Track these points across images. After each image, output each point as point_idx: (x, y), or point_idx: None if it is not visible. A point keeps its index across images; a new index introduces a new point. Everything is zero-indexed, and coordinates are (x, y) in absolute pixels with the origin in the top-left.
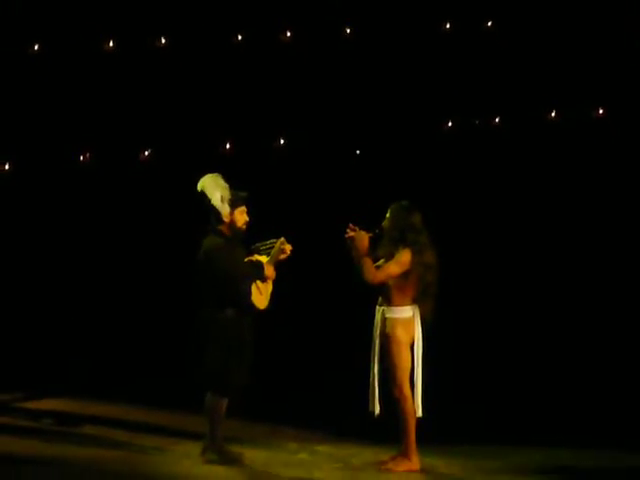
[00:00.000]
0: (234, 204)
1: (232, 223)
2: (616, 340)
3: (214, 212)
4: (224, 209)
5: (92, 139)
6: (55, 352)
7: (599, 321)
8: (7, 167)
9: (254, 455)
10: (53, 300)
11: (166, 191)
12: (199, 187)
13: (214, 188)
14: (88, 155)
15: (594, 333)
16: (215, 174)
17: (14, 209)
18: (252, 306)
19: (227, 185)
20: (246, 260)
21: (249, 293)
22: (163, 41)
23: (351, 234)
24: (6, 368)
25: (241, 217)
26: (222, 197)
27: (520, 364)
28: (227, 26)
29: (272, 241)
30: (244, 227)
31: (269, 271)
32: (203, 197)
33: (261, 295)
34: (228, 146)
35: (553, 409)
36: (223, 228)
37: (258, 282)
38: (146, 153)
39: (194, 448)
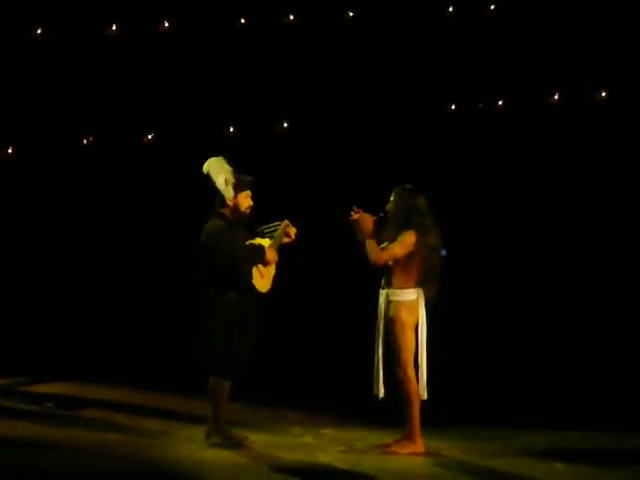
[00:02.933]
0: (238, 188)
1: (235, 207)
2: (617, 322)
3: (218, 195)
4: (228, 192)
5: (95, 123)
6: (57, 336)
7: (602, 303)
8: (10, 151)
9: (258, 439)
10: (56, 283)
11: (170, 174)
12: (204, 169)
13: (218, 171)
14: (91, 139)
15: (597, 314)
16: (220, 157)
17: (17, 193)
18: (253, 289)
19: (231, 169)
20: (247, 243)
21: (250, 276)
22: (166, 24)
23: (355, 216)
24: (8, 353)
25: (245, 201)
26: (226, 180)
27: (523, 346)
28: (230, 9)
29: (276, 224)
30: (248, 211)
31: (271, 254)
32: (208, 179)
33: (263, 278)
34: (232, 129)
35: (556, 392)
36: (226, 211)
37: (260, 265)
38: (149, 136)
39: (198, 432)
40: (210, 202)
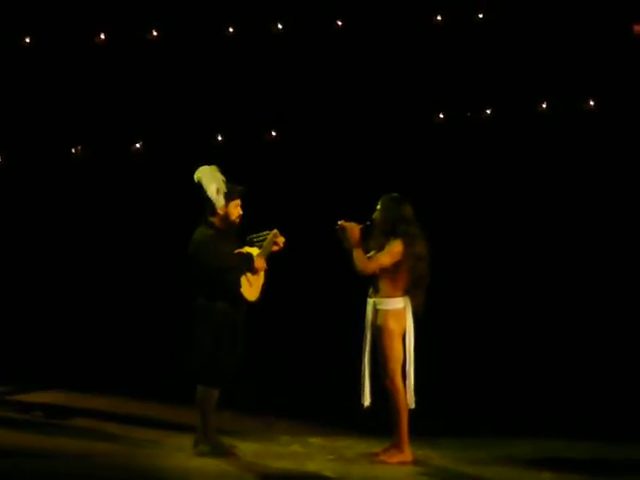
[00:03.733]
0: (229, 197)
1: (226, 216)
2: (608, 329)
3: (208, 203)
4: (219, 201)
5: (84, 131)
6: (46, 345)
7: (590, 310)
8: None
9: (246, 447)
10: (44, 293)
11: (158, 183)
12: (196, 177)
13: (210, 180)
14: (80, 147)
15: (585, 322)
16: (212, 166)
17: (6, 202)
18: (241, 298)
19: (224, 178)
20: (235, 252)
21: (238, 285)
22: (155, 33)
23: (342, 225)
24: None
25: (235, 210)
26: (218, 189)
27: (511, 355)
28: (218, 18)
29: (265, 233)
30: (237, 220)
31: (259, 263)
32: (199, 188)
33: (251, 287)
34: (219, 138)
35: (544, 400)
36: (215, 220)
37: (248, 274)
38: (137, 145)
39: (186, 440)
40: (199, 210)
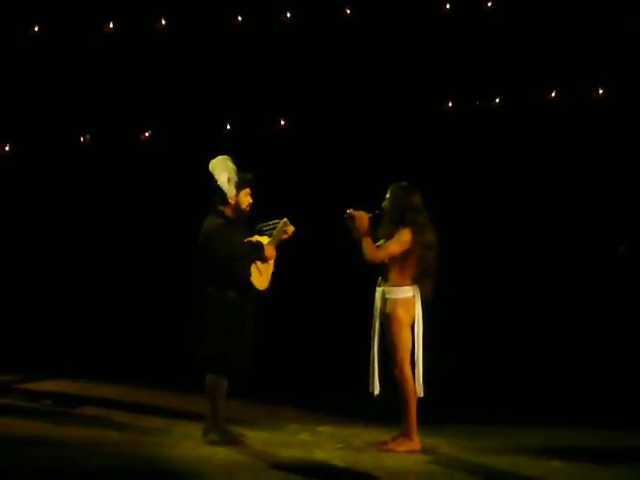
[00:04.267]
0: (240, 186)
1: (237, 205)
2: (615, 319)
3: (219, 192)
4: (230, 191)
5: (92, 120)
6: (55, 333)
7: (600, 299)
8: (7, 149)
9: (255, 436)
10: (54, 282)
11: (167, 171)
12: (210, 168)
13: (222, 169)
14: (88, 136)
15: (595, 311)
16: (225, 156)
17: (14, 191)
18: (252, 286)
19: (235, 167)
20: (245, 241)
21: (248, 274)
22: (163, 22)
23: (351, 214)
24: (6, 350)
25: (245, 199)
26: (229, 178)
27: (522, 344)
28: (227, 7)
29: (275, 222)
30: (247, 209)
31: (270, 252)
32: (211, 178)
33: (261, 276)
34: (228, 127)
35: (555, 389)
36: (226, 209)
37: (258, 263)
38: (147, 134)
39: (196, 429)
40: (209, 199)
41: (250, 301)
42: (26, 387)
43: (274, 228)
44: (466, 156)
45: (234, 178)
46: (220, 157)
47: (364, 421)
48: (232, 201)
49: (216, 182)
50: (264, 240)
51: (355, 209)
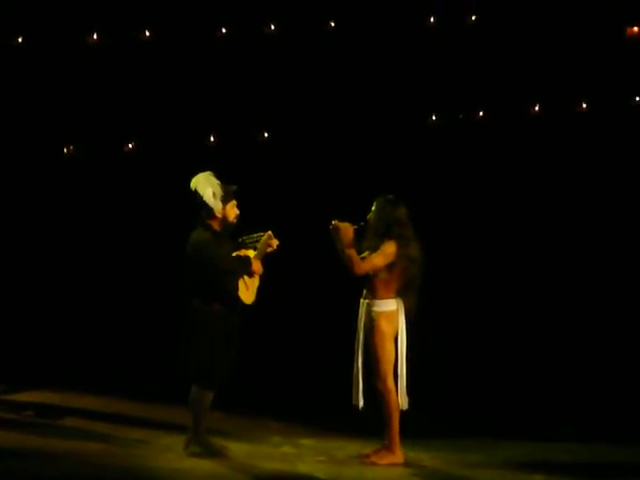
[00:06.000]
0: (225, 199)
1: (224, 218)
2: (605, 330)
3: (206, 208)
4: (217, 205)
5: (76, 131)
6: (37, 344)
7: (587, 311)
8: None
9: (237, 448)
10: (37, 293)
11: (151, 183)
12: (192, 186)
13: (205, 185)
14: (72, 147)
15: (581, 324)
16: (207, 172)
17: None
18: (239, 301)
19: (219, 182)
20: (234, 255)
21: (236, 288)
22: (147, 34)
23: (335, 225)
24: None
25: (232, 211)
26: (214, 193)
27: (503, 357)
28: (211, 19)
29: (259, 234)
30: (235, 221)
31: (256, 266)
32: (195, 194)
33: (247, 290)
34: (212, 139)
35: (539, 403)
36: (214, 223)
37: (245, 277)
38: (130, 145)
39: (177, 441)
40: (194, 210)
41: (236, 315)
42: (7, 398)
43: (257, 241)
44: (450, 169)
45: (219, 192)
46: (201, 174)
47: (346, 434)
48: (219, 215)
49: (201, 198)
50: (250, 254)
51: (340, 220)
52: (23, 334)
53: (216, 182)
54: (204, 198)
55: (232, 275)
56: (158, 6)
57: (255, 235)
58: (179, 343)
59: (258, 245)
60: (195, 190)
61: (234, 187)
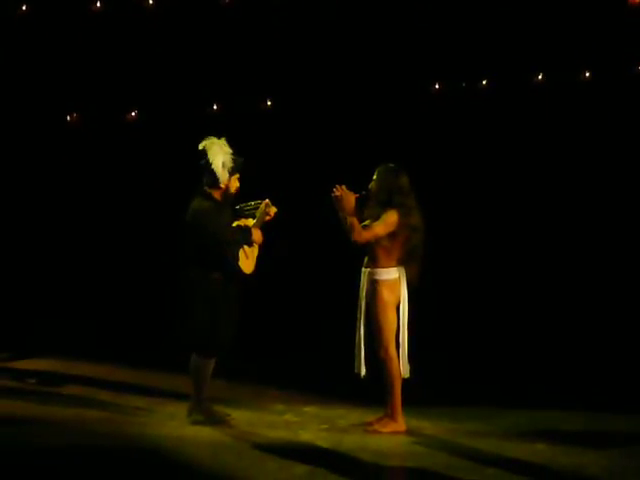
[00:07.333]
0: (232, 172)
1: (227, 189)
2: (605, 300)
3: (208, 174)
4: (223, 175)
5: (79, 99)
6: (40, 311)
7: (584, 282)
8: None
9: (240, 416)
10: (41, 259)
11: (153, 151)
12: (201, 146)
13: (217, 152)
14: (75, 115)
15: (579, 293)
16: (221, 139)
17: None
18: (239, 271)
19: (231, 151)
20: (234, 224)
21: (237, 258)
22: (150, 1)
23: (337, 194)
24: None
25: (234, 183)
26: (224, 163)
27: (506, 325)
28: None
29: (257, 202)
30: (235, 193)
31: (256, 235)
32: (203, 157)
33: (247, 259)
34: (215, 107)
35: (540, 372)
36: (215, 192)
37: (245, 246)
38: (133, 113)
39: (180, 409)
40: (195, 179)
41: (236, 284)
42: (10, 365)
43: (255, 209)
44: (453, 138)
45: (229, 164)
46: (215, 139)
47: (349, 402)
48: (223, 185)
49: (207, 161)
50: (249, 223)
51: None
52: (26, 302)
53: (229, 151)
54: (212, 166)
55: (233, 245)
56: None
57: (253, 203)
58: (179, 310)
59: (257, 213)
60: (205, 153)
61: (241, 160)
